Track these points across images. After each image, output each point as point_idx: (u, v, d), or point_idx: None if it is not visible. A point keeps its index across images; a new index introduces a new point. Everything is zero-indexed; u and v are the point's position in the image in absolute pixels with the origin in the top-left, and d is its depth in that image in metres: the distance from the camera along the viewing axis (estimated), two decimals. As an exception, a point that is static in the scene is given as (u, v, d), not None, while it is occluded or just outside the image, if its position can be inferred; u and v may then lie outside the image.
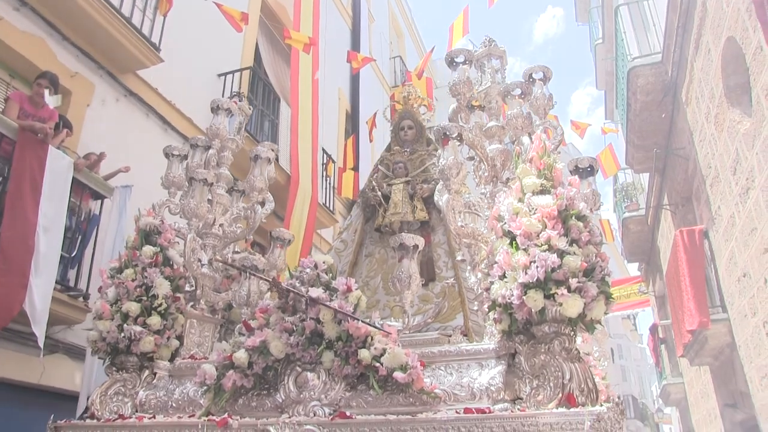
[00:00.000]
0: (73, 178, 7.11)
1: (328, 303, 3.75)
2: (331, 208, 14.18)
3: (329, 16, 15.03)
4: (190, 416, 3.99)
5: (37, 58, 7.86)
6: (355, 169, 14.48)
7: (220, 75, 11.49)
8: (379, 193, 6.09)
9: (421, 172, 6.13)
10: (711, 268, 11.35)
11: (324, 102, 13.12)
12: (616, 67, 14.28)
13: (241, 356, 3.86)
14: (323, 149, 13.95)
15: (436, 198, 4.40)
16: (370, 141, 14.68)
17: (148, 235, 4.78)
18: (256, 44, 12.83)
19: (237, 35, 11.43)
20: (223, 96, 10.68)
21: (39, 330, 6.30)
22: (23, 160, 6.50)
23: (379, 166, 6.47)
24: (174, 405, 4.19)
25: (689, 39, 10.45)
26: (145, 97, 9.58)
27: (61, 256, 7.00)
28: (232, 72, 11.65)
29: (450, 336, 4.83)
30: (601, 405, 3.09)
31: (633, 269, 24.65)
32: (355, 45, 17.57)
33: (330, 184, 14.66)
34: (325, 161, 14.18)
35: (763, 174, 7.91)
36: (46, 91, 6.91)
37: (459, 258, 4.82)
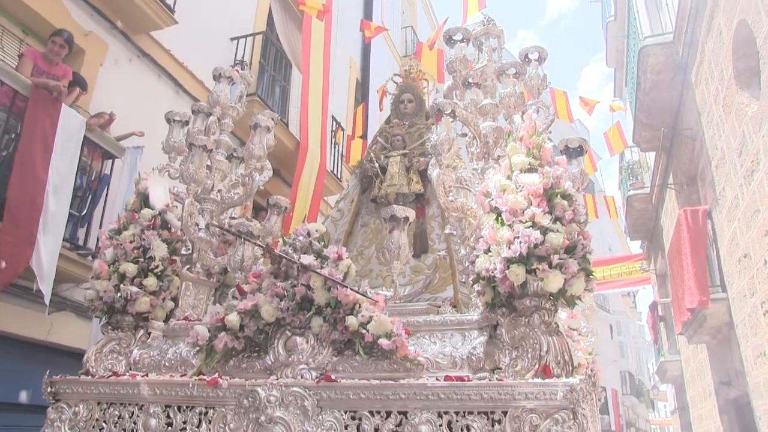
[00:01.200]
0: (85, 137, 7.18)
1: (318, 270, 3.87)
2: (339, 176, 14.23)
3: None
4: (181, 375, 4.13)
5: (51, 16, 7.85)
6: (364, 137, 14.44)
7: (232, 39, 11.51)
8: (377, 165, 6.18)
9: (419, 146, 6.20)
10: (713, 248, 11.42)
11: (335, 70, 13.08)
12: (627, 46, 14.30)
13: (233, 319, 3.98)
14: (333, 117, 13.95)
15: (429, 171, 4.50)
16: (380, 110, 14.61)
17: (147, 199, 4.88)
18: (269, 8, 12.76)
19: None
20: (234, 60, 11.01)
21: (45, 287, 6.41)
22: (35, 118, 6.55)
23: (378, 138, 6.55)
24: (167, 364, 4.32)
25: (702, 20, 10.40)
26: (158, 59, 9.61)
27: (71, 215, 7.07)
28: (245, 36, 11.67)
29: (439, 307, 4.94)
30: (574, 377, 3.22)
31: (635, 247, 24.67)
32: (368, 13, 17.56)
33: (339, 151, 14.68)
34: (334, 128, 14.19)
35: None
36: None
37: (447, 231, 4.92)
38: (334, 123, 14.24)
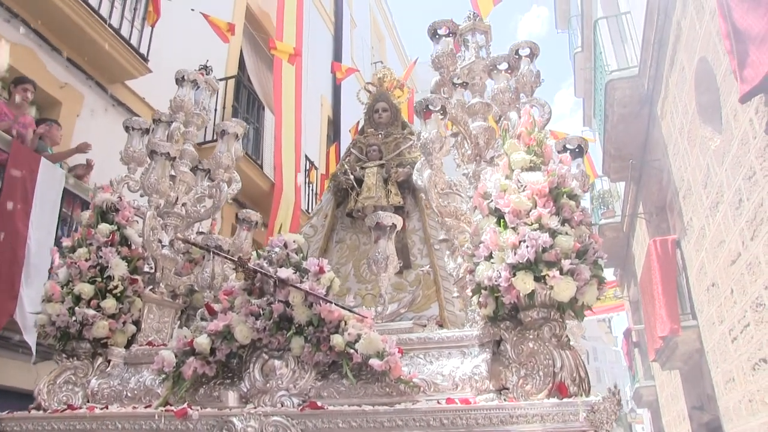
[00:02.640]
0: (64, 189, 7.05)
1: (298, 285, 3.47)
2: (314, 215, 14.07)
3: (312, 22, 15.08)
4: (146, 407, 3.68)
5: (27, 69, 7.87)
6: (338, 176, 14.31)
7: None
8: (352, 177, 5.82)
9: (396, 156, 5.88)
10: (683, 277, 11.83)
11: (306, 108, 13.21)
12: (595, 78, 14.68)
13: (202, 342, 3.56)
14: (306, 156, 14.01)
15: (415, 177, 4.13)
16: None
17: (104, 213, 4.42)
18: (241, 52, 12.93)
19: (222, 43, 11.48)
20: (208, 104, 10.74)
21: (30, 338, 6.29)
22: (15, 172, 6.49)
23: (352, 150, 6.21)
24: (129, 395, 3.86)
25: (665, 55, 10.78)
26: (132, 107, 9.56)
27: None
28: (218, 80, 11.40)
29: (424, 326, 4.55)
30: (596, 395, 2.85)
31: (608, 274, 25.00)
32: (338, 51, 17.59)
33: (313, 190, 14.70)
34: (308, 168, 14.25)
35: (731, 190, 8.24)
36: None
37: (441, 237, 4.55)
38: (308, 162, 14.30)
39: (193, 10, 10.62)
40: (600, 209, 19.26)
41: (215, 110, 11.21)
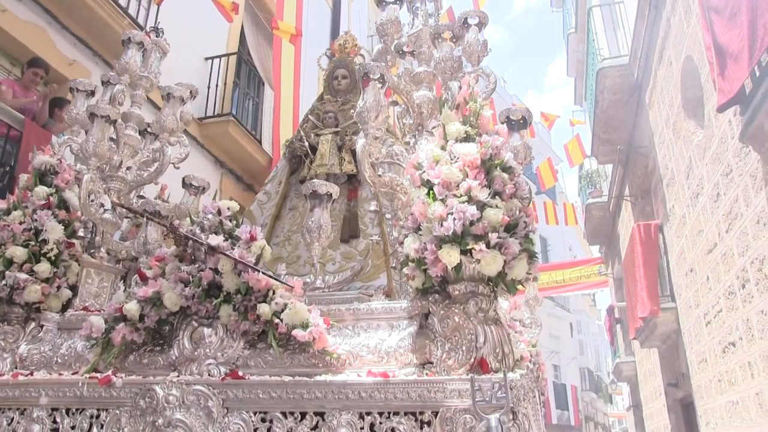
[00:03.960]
0: None
1: (227, 252, 3.41)
2: (311, 190, 14.19)
3: None
4: (73, 373, 3.62)
5: (38, 47, 8.08)
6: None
7: (207, 59, 11.63)
8: (306, 144, 5.74)
9: (352, 124, 5.77)
10: (664, 260, 12.26)
11: (304, 83, 13.19)
12: (587, 63, 15.11)
13: (132, 308, 3.50)
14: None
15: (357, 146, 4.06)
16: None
17: (43, 176, 4.32)
18: (242, 27, 12.91)
19: (224, 19, 11.40)
20: (209, 80, 11.36)
21: None
22: (29, 149, 6.34)
23: (309, 116, 6.12)
24: (59, 361, 3.77)
25: (654, 48, 11.06)
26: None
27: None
28: (219, 57, 11.85)
29: (371, 296, 4.51)
30: (514, 372, 2.81)
31: (594, 251, 25.55)
32: (335, 22, 17.36)
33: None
34: None
35: (710, 183, 8.59)
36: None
37: (372, 209, 4.49)
38: None
39: None
40: (588, 188, 19.70)
41: (216, 86, 11.51)
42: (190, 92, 5.10)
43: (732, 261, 8.12)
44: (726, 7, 6.24)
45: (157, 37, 5.23)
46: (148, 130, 5.23)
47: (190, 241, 3.54)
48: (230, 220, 3.66)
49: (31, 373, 3.67)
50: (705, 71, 8.18)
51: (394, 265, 4.29)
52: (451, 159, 3.21)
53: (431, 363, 3.08)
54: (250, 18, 13.43)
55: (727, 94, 6.31)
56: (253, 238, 3.51)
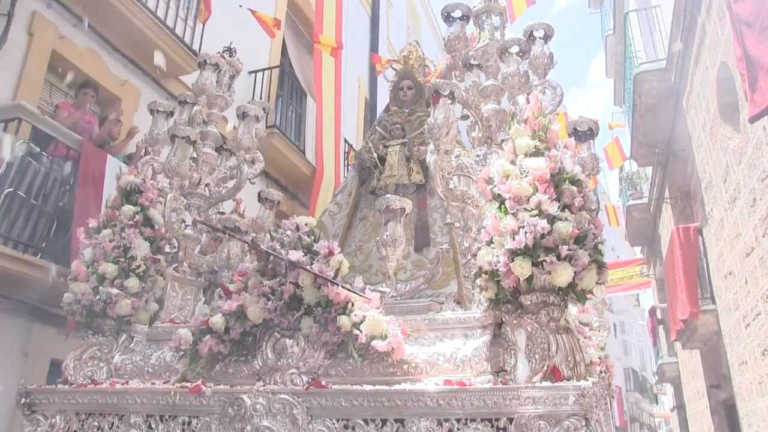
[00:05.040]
0: None
1: (307, 267, 3.58)
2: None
3: (350, 3, 15.01)
4: (164, 382, 3.84)
5: (92, 70, 8.33)
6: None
7: (250, 72, 11.74)
8: (375, 155, 5.89)
9: (419, 134, 5.89)
10: (703, 263, 12.21)
11: (344, 91, 13.26)
12: (625, 66, 14.91)
13: (217, 321, 3.70)
14: (345, 139, 14.20)
15: (428, 159, 4.19)
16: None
17: (128, 195, 4.59)
18: (283, 40, 13.17)
19: (266, 34, 11.71)
20: (253, 96, 11.40)
21: None
22: (86, 169, 6.78)
23: (377, 128, 6.26)
24: (150, 370, 4.02)
25: (690, 53, 11.07)
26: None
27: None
28: (262, 70, 12.02)
29: (442, 303, 4.63)
30: (586, 379, 2.91)
31: (636, 253, 25.38)
32: (374, 32, 17.44)
33: None
34: (347, 151, 14.38)
35: (747, 188, 8.62)
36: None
37: (447, 221, 4.62)
38: (347, 145, 14.44)
39: (241, 6, 10.93)
40: (628, 190, 19.57)
41: (261, 99, 11.49)
42: (264, 109, 5.29)
43: None
44: (757, 20, 6.33)
45: (230, 56, 5.42)
46: (224, 147, 5.43)
47: (271, 257, 3.72)
48: (308, 236, 3.82)
49: (127, 382, 3.90)
50: (740, 78, 8.10)
51: (465, 274, 4.40)
52: (521, 173, 3.32)
53: (505, 371, 3.20)
54: (291, 31, 13.68)
55: (759, 106, 6.37)
56: (331, 253, 3.67)
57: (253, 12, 10.87)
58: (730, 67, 8.58)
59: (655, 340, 21.51)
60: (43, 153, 6.67)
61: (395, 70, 6.55)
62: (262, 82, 11.92)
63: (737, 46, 6.95)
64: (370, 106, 17.04)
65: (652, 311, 20.81)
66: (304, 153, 12.53)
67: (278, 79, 12.53)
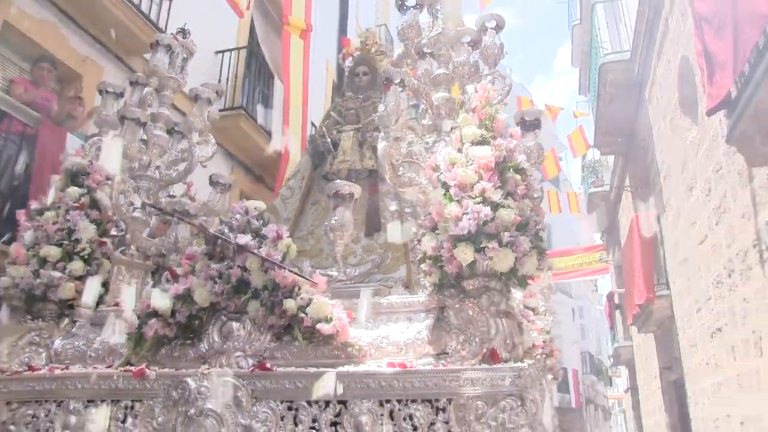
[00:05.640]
0: None
1: (255, 250, 3.59)
2: (319, 179, 14.28)
3: None
4: (107, 366, 3.82)
5: (50, 44, 7.97)
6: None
7: (217, 52, 11.68)
8: (329, 140, 5.89)
9: (373, 120, 5.90)
10: (660, 250, 12.74)
11: (312, 73, 13.06)
12: (591, 56, 15.41)
13: (163, 304, 3.69)
14: (312, 123, 14.03)
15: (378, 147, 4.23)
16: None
17: (74, 176, 4.53)
18: (251, 21, 12.87)
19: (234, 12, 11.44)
20: (220, 74, 11.39)
21: None
22: (44, 147, 6.65)
23: (331, 113, 6.27)
24: (93, 355, 3.97)
25: (654, 45, 11.36)
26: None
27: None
28: (229, 50, 11.92)
29: (391, 288, 4.68)
30: (523, 362, 2.99)
31: (596, 239, 25.93)
32: (343, 11, 17.33)
33: None
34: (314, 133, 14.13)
35: (703, 178, 8.96)
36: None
37: (393, 208, 4.66)
38: (314, 129, 14.15)
39: None
40: (590, 178, 20.15)
41: (227, 79, 11.55)
42: (216, 92, 5.27)
43: (720, 252, 8.51)
44: (714, 18, 6.51)
45: (183, 38, 5.39)
46: (176, 129, 5.40)
47: (219, 240, 3.73)
48: (257, 219, 3.84)
49: (67, 367, 3.87)
50: (699, 72, 8.40)
51: (413, 259, 4.45)
52: (467, 161, 3.38)
53: (446, 353, 3.26)
54: (260, 11, 13.34)
55: (715, 99, 6.58)
56: (279, 237, 3.69)
57: None
58: (691, 61, 8.81)
59: (612, 324, 22.26)
60: (-3, 129, 6.47)
61: (351, 56, 6.56)
62: (230, 63, 11.81)
63: (698, 41, 7.14)
64: (339, 89, 17.07)
65: (610, 296, 21.56)
66: (270, 136, 12.38)
67: (246, 60, 12.44)
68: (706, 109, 7.10)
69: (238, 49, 12.22)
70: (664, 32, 10.45)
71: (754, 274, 7.15)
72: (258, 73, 13.08)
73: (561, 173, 30.49)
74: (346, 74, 6.54)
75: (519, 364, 2.95)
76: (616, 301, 20.21)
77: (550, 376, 6.27)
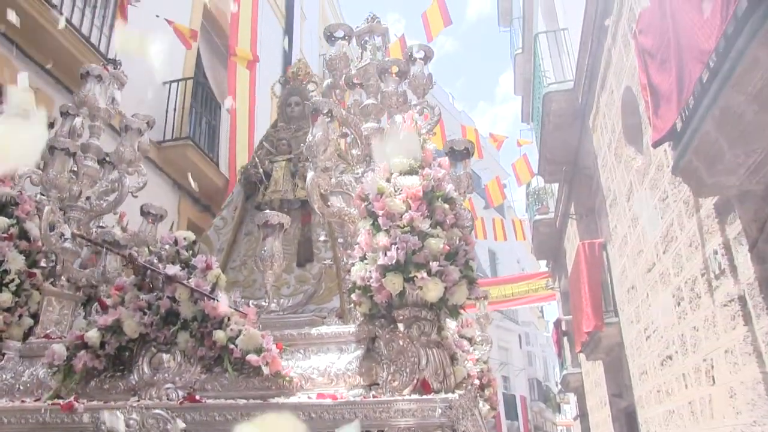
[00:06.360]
0: None
1: (184, 281, 3.58)
2: (267, 209, 14.34)
3: (264, 16, 15.07)
4: (35, 399, 3.74)
5: (2, 75, 7.87)
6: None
7: (165, 83, 11.68)
8: (261, 170, 5.91)
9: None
10: (607, 276, 12.75)
11: (258, 102, 13.35)
12: (533, 86, 15.52)
13: (92, 336, 3.64)
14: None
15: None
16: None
17: (3, 207, 4.48)
18: (198, 52, 13.10)
19: (182, 44, 11.61)
20: (167, 104, 11.43)
21: None
22: None
23: (264, 143, 6.30)
24: (21, 388, 3.88)
25: (597, 75, 11.49)
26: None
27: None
28: (177, 81, 11.93)
29: (324, 318, 4.72)
30: (454, 392, 3.02)
31: (542, 266, 26.31)
32: (288, 44, 17.43)
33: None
34: None
35: (649, 207, 9.02)
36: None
37: (322, 238, 4.69)
38: None
39: (158, 16, 10.80)
40: (535, 205, 20.35)
41: (174, 110, 11.55)
42: (147, 123, 5.25)
43: (668, 280, 8.59)
44: (658, 52, 6.64)
45: (114, 69, 5.36)
46: (107, 159, 5.35)
47: (148, 271, 3.70)
48: (186, 250, 3.83)
49: (-6, 401, 3.78)
50: (643, 102, 8.56)
51: (345, 289, 4.49)
52: (395, 191, 3.42)
53: (377, 384, 3.28)
54: (206, 42, 13.60)
55: (660, 131, 6.71)
56: (208, 267, 3.68)
57: (170, 22, 10.81)
58: (634, 91, 8.95)
59: (560, 351, 22.15)
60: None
61: (282, 85, 6.60)
62: (176, 93, 11.83)
63: (642, 74, 7.30)
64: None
65: (557, 323, 21.47)
66: (218, 165, 12.47)
67: (192, 90, 12.45)
68: (651, 141, 7.22)
69: (185, 79, 12.26)
70: (607, 62, 10.62)
71: (703, 303, 7.27)
72: (204, 103, 13.10)
73: (505, 200, 30.93)
74: (278, 104, 6.56)
75: (449, 395, 2.97)
76: (564, 328, 20.25)
77: (487, 407, 6.35)
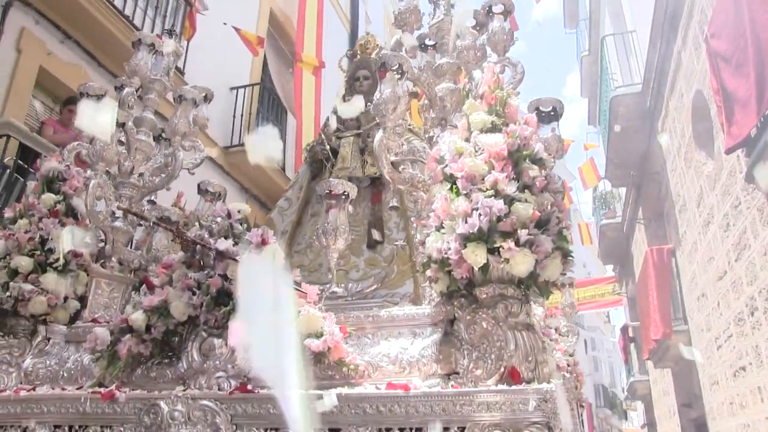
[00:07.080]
0: None
1: (237, 257, 3.17)
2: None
3: (329, 20, 15.07)
4: (78, 387, 3.40)
5: (76, 85, 8.11)
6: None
7: (232, 89, 12.04)
8: (327, 147, 5.50)
9: (375, 125, 5.51)
10: (676, 283, 12.62)
11: (324, 108, 13.15)
12: (600, 88, 15.41)
13: (138, 318, 3.27)
14: None
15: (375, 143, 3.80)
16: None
17: (50, 182, 4.15)
18: (264, 57, 13.48)
19: (249, 51, 11.92)
20: (234, 110, 11.83)
21: None
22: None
23: (330, 119, 5.88)
24: (65, 375, 3.56)
25: (666, 79, 11.38)
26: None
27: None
28: (243, 87, 12.28)
29: (396, 304, 4.27)
30: (549, 382, 2.53)
31: (608, 271, 26.20)
32: (353, 43, 17.34)
33: None
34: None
35: (720, 213, 8.90)
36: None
37: (392, 204, 4.24)
38: None
39: (225, 24, 11.14)
40: (602, 209, 20.13)
41: (241, 115, 11.89)
42: (205, 96, 4.89)
43: (741, 289, 8.33)
44: (733, 56, 6.41)
45: (170, 38, 5.01)
46: (163, 135, 5.01)
47: (198, 247, 3.32)
48: (241, 224, 3.43)
49: (34, 388, 3.46)
50: (715, 106, 8.39)
51: (419, 269, 4.05)
52: (476, 151, 2.95)
53: (457, 373, 2.82)
54: (272, 48, 13.83)
55: (736, 138, 6.50)
56: (264, 242, 3.26)
57: (237, 30, 11.09)
58: (705, 96, 8.73)
59: (627, 357, 21.85)
60: (30, 169, 6.47)
61: (350, 59, 6.19)
62: (244, 99, 12.08)
63: (714, 79, 7.08)
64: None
65: (624, 329, 21.18)
66: (284, 170, 12.51)
67: (259, 96, 12.64)
68: (725, 148, 7.00)
69: (252, 85, 12.51)
70: (677, 65, 10.41)
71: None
72: (271, 108, 13.29)
73: (572, 204, 30.29)
74: (345, 79, 6.14)
75: (545, 385, 2.49)
76: (631, 334, 19.87)
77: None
